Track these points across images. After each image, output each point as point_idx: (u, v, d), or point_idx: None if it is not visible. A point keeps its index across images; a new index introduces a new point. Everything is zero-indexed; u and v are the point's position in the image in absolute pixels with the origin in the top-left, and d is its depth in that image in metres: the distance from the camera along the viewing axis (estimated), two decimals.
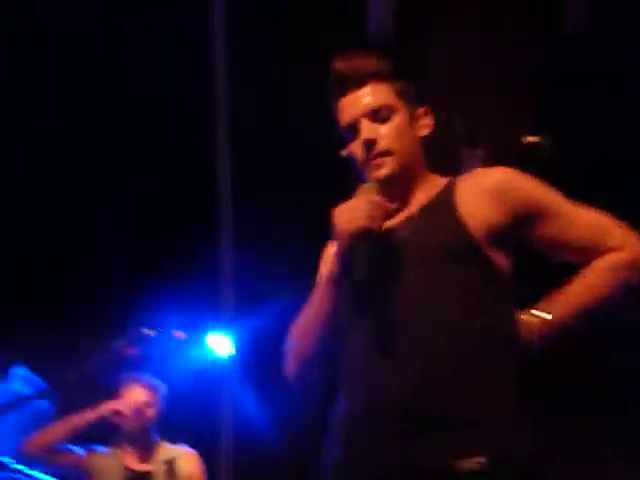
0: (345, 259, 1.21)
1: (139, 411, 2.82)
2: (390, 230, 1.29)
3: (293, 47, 3.02)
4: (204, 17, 3.11)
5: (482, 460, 1.06)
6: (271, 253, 3.51)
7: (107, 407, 2.84)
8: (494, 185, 1.26)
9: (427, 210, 1.30)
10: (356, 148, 1.29)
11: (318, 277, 1.38)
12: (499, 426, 1.11)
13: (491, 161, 2.85)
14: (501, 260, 1.23)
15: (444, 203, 1.29)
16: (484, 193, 1.25)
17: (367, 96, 1.30)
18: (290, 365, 1.35)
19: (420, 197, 1.32)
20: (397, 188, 1.31)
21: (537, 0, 2.73)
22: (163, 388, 2.97)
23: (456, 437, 1.09)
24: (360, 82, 1.31)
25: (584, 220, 1.26)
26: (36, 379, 3.14)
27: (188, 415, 3.52)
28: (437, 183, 1.34)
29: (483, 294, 1.21)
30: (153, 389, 2.92)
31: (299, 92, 3.01)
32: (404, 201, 1.33)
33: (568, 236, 1.26)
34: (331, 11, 2.88)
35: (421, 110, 1.35)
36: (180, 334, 2.75)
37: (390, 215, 1.29)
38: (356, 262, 1.21)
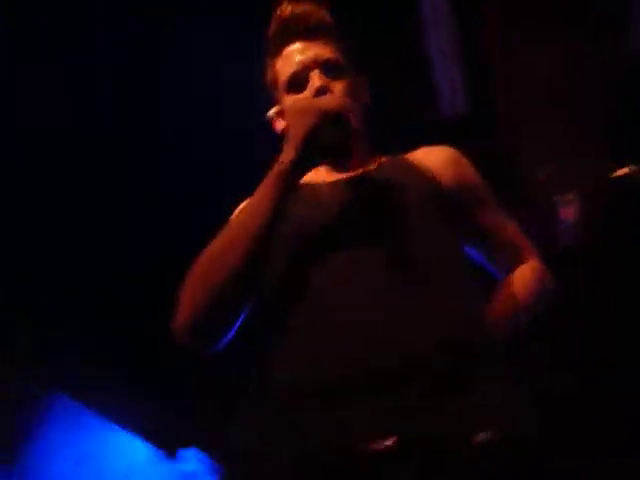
0: (307, 144, 1.03)
1: None
2: (358, 176, 1.20)
3: None
4: None
5: (498, 433, 0.93)
6: None
7: None
8: (448, 155, 1.26)
9: (389, 166, 1.23)
10: (299, 101, 1.16)
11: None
12: (516, 395, 1.01)
13: (586, 202, 2.84)
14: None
15: (403, 163, 1.24)
16: (438, 159, 1.24)
17: (320, 47, 1.22)
18: (190, 308, 1.03)
19: (369, 161, 1.24)
20: (342, 158, 1.19)
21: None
22: None
23: (474, 405, 0.94)
24: (311, 33, 1.23)
25: (513, 225, 1.28)
26: (204, 457, 3.46)
27: None
28: (380, 155, 1.28)
29: (460, 246, 1.19)
30: None
31: None
32: (350, 164, 1.22)
33: (502, 230, 1.26)
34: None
35: (361, 77, 1.29)
36: None
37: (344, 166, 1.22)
38: (317, 149, 1.05)
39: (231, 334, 1.08)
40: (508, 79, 2.73)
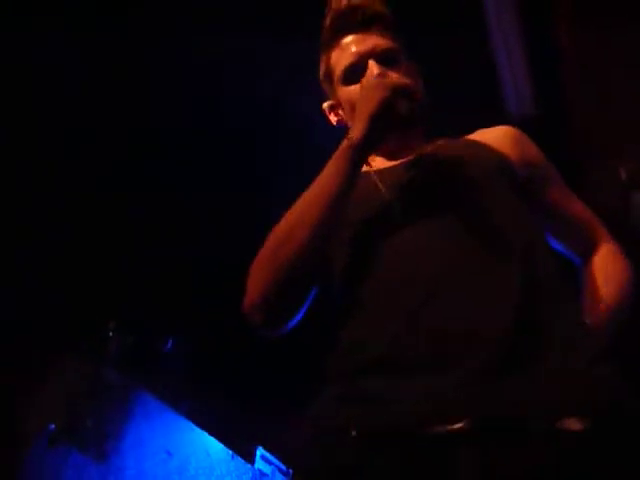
0: (380, 116, 1.04)
1: None
2: (415, 157, 1.19)
3: None
4: None
5: (589, 420, 0.83)
6: None
7: None
8: (510, 133, 1.25)
9: (447, 146, 1.21)
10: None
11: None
12: (602, 377, 0.91)
13: None
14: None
15: (462, 142, 1.23)
16: (500, 137, 1.22)
17: (376, 38, 1.22)
18: (261, 285, 1.02)
19: (427, 146, 1.23)
20: (404, 138, 1.22)
21: None
22: None
23: (554, 385, 0.87)
24: (366, 24, 1.23)
25: (581, 204, 1.27)
26: (275, 459, 3.53)
27: None
28: (437, 138, 1.27)
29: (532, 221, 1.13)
30: None
31: None
32: (410, 148, 1.22)
33: (571, 207, 1.25)
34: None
35: (413, 64, 1.28)
36: None
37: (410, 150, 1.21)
38: (390, 120, 1.05)
39: (299, 315, 1.07)
40: (580, 78, 2.70)
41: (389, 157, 1.25)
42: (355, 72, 1.20)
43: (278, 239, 1.04)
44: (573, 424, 0.83)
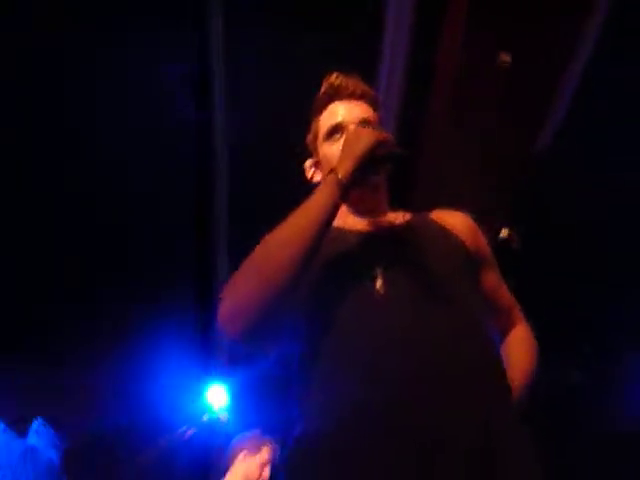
0: (365, 157, 1.15)
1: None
2: (388, 229, 1.31)
3: None
4: None
5: None
6: None
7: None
8: (467, 221, 1.39)
9: (415, 223, 1.35)
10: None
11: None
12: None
13: None
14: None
15: (428, 221, 1.36)
16: (459, 223, 1.36)
17: (359, 107, 1.37)
18: (241, 304, 1.08)
19: (392, 214, 1.38)
20: (375, 196, 1.36)
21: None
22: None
23: None
24: (354, 95, 1.38)
25: (506, 287, 1.44)
26: (50, 432, 3.32)
27: None
28: (398, 210, 1.40)
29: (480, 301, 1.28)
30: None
31: None
32: (376, 212, 1.36)
33: (502, 292, 1.41)
34: None
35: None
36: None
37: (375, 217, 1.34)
38: (372, 161, 1.16)
39: (272, 345, 1.14)
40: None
41: (361, 215, 1.36)
42: (337, 131, 1.34)
43: (265, 255, 1.10)
44: None
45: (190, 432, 2.96)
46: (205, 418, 3.03)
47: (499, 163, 3.01)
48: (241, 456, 2.64)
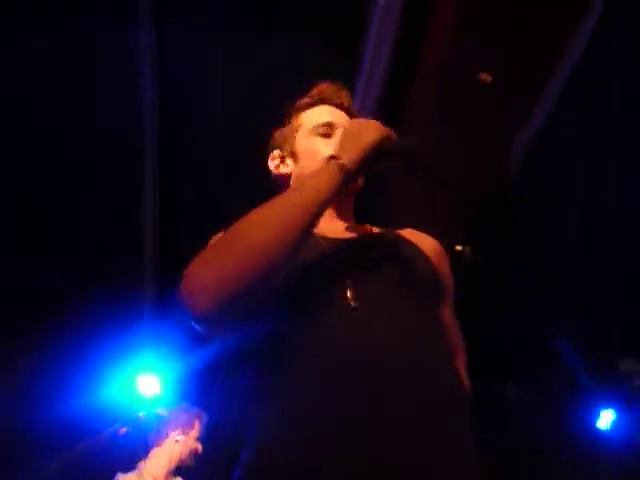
0: (373, 149, 1.14)
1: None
2: (363, 237, 1.30)
3: None
4: None
5: None
6: None
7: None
8: (438, 248, 1.38)
9: (389, 235, 1.34)
10: (329, 147, 1.27)
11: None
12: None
13: None
14: None
15: (402, 238, 1.34)
16: (431, 248, 1.35)
17: (345, 117, 1.42)
18: (217, 269, 0.97)
19: (360, 225, 1.38)
20: (349, 201, 1.39)
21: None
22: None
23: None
24: (341, 106, 1.43)
25: (455, 318, 1.40)
26: None
27: None
28: (367, 223, 1.40)
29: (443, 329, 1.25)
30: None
31: None
32: (349, 219, 1.38)
33: (451, 322, 1.36)
34: None
35: None
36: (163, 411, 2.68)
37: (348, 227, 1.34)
38: (380, 155, 1.16)
39: (245, 322, 1.04)
40: None
41: (333, 221, 1.35)
42: (329, 129, 1.36)
43: (251, 226, 1.01)
44: None
45: (123, 430, 2.82)
46: (141, 414, 2.88)
47: (463, 181, 3.00)
48: (175, 435, 2.56)
